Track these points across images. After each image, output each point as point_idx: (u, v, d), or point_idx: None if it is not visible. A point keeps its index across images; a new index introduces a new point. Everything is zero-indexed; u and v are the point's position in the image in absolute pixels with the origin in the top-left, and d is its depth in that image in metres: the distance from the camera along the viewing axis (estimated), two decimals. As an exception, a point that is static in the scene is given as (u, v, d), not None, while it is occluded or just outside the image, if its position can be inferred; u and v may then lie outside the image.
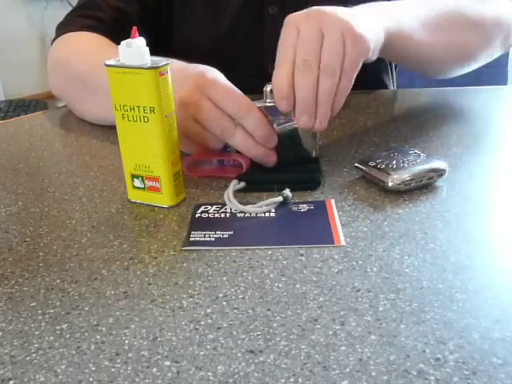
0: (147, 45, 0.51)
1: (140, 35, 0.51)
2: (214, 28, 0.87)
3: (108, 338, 0.37)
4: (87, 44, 0.80)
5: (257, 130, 0.56)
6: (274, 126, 0.57)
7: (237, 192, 0.55)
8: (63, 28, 0.86)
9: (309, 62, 0.53)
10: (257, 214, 0.52)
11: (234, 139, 0.57)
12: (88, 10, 0.86)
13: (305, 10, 0.56)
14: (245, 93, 0.59)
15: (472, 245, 0.46)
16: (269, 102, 0.57)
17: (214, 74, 0.58)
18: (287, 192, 0.53)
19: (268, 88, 0.57)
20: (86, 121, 0.80)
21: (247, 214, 0.52)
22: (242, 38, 0.87)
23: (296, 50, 0.54)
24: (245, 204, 0.53)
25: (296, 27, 0.55)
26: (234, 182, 0.55)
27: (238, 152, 0.60)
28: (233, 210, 0.53)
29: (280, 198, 0.53)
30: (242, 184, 0.55)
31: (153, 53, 0.51)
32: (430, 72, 0.83)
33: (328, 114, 0.56)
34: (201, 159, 0.62)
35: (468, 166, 0.60)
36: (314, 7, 0.56)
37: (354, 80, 0.56)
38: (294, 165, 0.59)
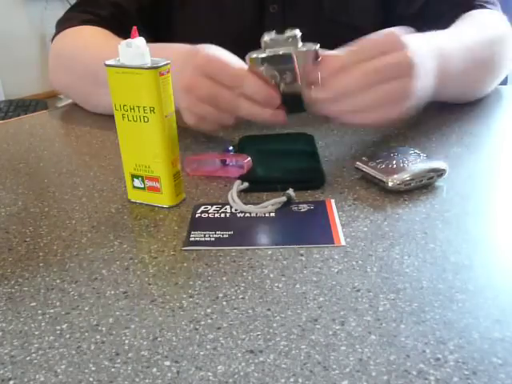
0: (147, 43, 0.51)
1: (140, 33, 0.51)
2: (215, 28, 0.87)
3: (108, 337, 0.37)
4: (92, 37, 0.81)
5: (257, 94, 0.57)
6: (282, 85, 0.58)
7: (238, 192, 0.55)
8: (64, 24, 0.86)
9: (357, 83, 0.55)
10: (257, 214, 0.52)
11: (241, 110, 0.58)
12: (87, 6, 0.87)
13: (412, 42, 0.58)
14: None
15: (472, 245, 0.46)
16: (269, 51, 0.58)
17: (206, 50, 0.60)
18: (291, 192, 0.53)
19: (266, 37, 0.57)
20: (88, 120, 0.80)
21: (247, 214, 0.52)
22: (242, 37, 0.87)
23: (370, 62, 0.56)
24: (246, 204, 0.53)
25: (394, 46, 0.57)
26: (238, 182, 0.55)
27: (238, 152, 0.60)
28: (235, 210, 0.53)
29: (284, 198, 0.53)
30: (246, 184, 0.55)
31: None
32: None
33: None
34: (202, 159, 0.62)
35: (468, 166, 0.60)
36: (414, 50, 0.57)
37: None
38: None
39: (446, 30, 0.70)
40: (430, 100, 0.64)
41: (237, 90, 0.57)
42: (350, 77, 0.56)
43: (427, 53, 0.61)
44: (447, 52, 0.66)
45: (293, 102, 0.59)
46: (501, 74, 0.81)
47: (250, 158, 0.59)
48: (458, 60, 0.68)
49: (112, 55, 0.51)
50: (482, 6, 0.81)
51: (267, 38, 0.57)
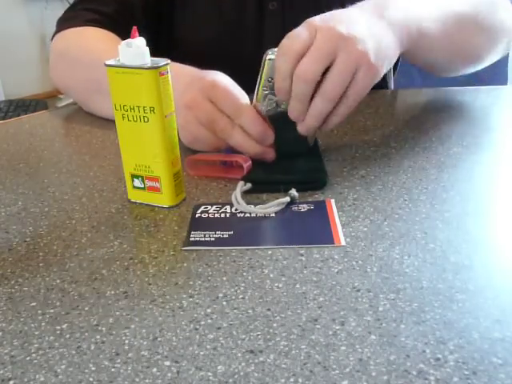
0: (148, 42, 0.51)
1: (142, 31, 0.51)
2: (215, 26, 0.88)
3: (108, 337, 0.37)
4: (96, 42, 0.80)
5: (252, 129, 0.58)
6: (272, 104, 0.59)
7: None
8: (66, 22, 0.85)
9: (307, 77, 0.53)
10: (257, 214, 0.52)
11: (233, 139, 0.58)
12: (91, 3, 0.86)
13: (330, 20, 0.55)
14: (244, 90, 0.59)
15: (472, 245, 0.46)
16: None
17: (213, 76, 0.60)
18: (294, 192, 0.53)
19: (268, 56, 0.57)
20: (88, 120, 0.80)
21: (247, 214, 0.52)
22: (242, 35, 0.87)
23: (302, 55, 0.54)
24: (247, 204, 0.53)
25: (315, 30, 0.54)
26: (241, 183, 0.55)
27: (239, 153, 0.60)
28: (235, 210, 0.53)
29: (287, 199, 0.53)
30: (249, 185, 0.55)
31: (153, 51, 0.51)
32: (436, 71, 0.83)
33: (314, 126, 0.57)
34: (203, 159, 0.62)
35: (468, 166, 0.60)
36: (337, 18, 0.55)
37: (354, 106, 0.56)
38: (292, 152, 0.60)
39: None
40: (423, 63, 0.65)
41: (234, 121, 0.58)
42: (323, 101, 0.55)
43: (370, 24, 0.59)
44: (415, 15, 0.65)
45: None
46: (498, 37, 0.80)
47: (250, 160, 0.59)
48: (432, 20, 0.67)
49: None
50: None
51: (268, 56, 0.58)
